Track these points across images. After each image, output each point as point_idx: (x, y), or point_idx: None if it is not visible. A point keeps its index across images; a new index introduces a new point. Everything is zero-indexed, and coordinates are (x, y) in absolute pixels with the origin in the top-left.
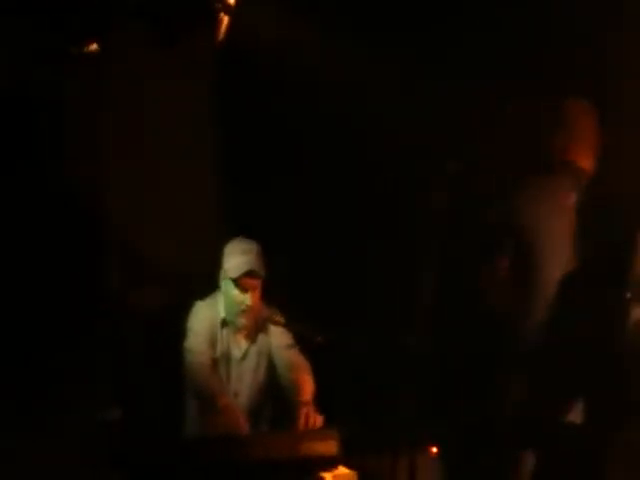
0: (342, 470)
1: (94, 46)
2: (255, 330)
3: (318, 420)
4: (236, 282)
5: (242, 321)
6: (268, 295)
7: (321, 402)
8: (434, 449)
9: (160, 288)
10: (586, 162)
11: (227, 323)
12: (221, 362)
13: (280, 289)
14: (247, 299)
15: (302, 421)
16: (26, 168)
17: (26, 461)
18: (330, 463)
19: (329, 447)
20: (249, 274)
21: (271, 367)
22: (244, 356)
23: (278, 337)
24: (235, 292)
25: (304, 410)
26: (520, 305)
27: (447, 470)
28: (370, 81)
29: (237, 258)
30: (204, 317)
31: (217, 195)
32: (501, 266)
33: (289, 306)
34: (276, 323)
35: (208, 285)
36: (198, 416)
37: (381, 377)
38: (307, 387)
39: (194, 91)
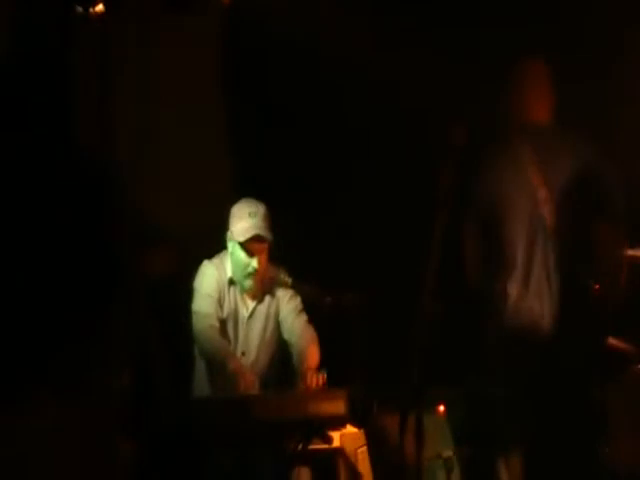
0: (350, 429)
1: (100, 7)
2: (262, 291)
3: (321, 379)
4: (243, 246)
5: (249, 283)
6: (276, 257)
7: (330, 362)
8: (441, 408)
9: (168, 253)
10: (538, 114)
11: (234, 282)
12: (229, 321)
13: (288, 251)
14: (254, 262)
15: (308, 381)
16: (34, 133)
17: (38, 427)
18: (338, 422)
19: (337, 407)
20: (255, 238)
21: (278, 328)
22: (251, 315)
23: (286, 302)
24: (242, 255)
25: (310, 374)
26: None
27: (454, 429)
28: (377, 49)
29: (244, 221)
30: (211, 277)
31: (225, 158)
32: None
33: (297, 268)
34: (283, 284)
35: (215, 249)
36: (207, 378)
37: (391, 338)
38: (313, 357)
39: (202, 56)
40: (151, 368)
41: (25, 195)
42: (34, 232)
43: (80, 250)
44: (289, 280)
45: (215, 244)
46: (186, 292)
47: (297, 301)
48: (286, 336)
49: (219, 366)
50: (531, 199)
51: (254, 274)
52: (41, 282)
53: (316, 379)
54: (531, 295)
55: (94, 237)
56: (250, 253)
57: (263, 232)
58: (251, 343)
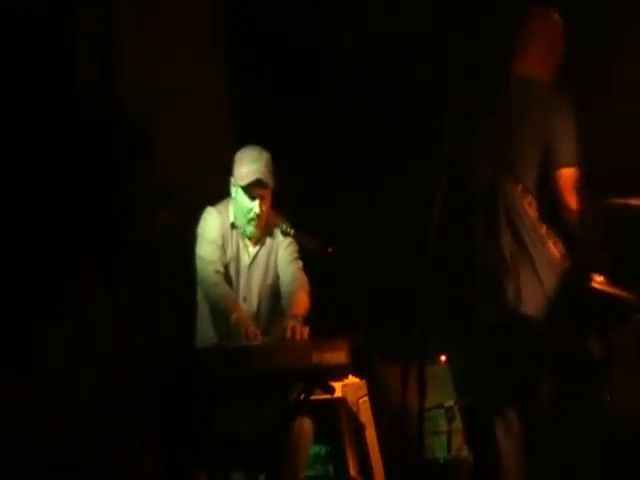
0: (352, 379)
1: None
2: (263, 238)
3: (304, 332)
4: (245, 190)
5: (250, 229)
6: (279, 207)
7: (331, 313)
8: (443, 358)
9: (173, 208)
10: (540, 71)
11: (236, 227)
12: (231, 266)
13: (290, 203)
14: (256, 207)
15: (289, 333)
16: (39, 88)
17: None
18: (340, 373)
19: (339, 357)
20: (258, 183)
21: (278, 273)
22: (252, 261)
23: (283, 248)
24: (244, 200)
25: (291, 323)
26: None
27: (456, 378)
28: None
29: (246, 166)
30: (214, 222)
31: (231, 113)
32: None
33: (300, 220)
34: (285, 234)
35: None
36: (211, 322)
37: (391, 289)
38: (301, 303)
39: (206, 12)
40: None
41: (27, 142)
42: (42, 189)
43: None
44: (291, 230)
45: (218, 195)
46: (190, 241)
47: (293, 248)
48: (280, 279)
49: (223, 313)
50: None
51: (256, 219)
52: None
53: (299, 330)
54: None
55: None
56: (252, 197)
57: (265, 177)
58: (252, 289)
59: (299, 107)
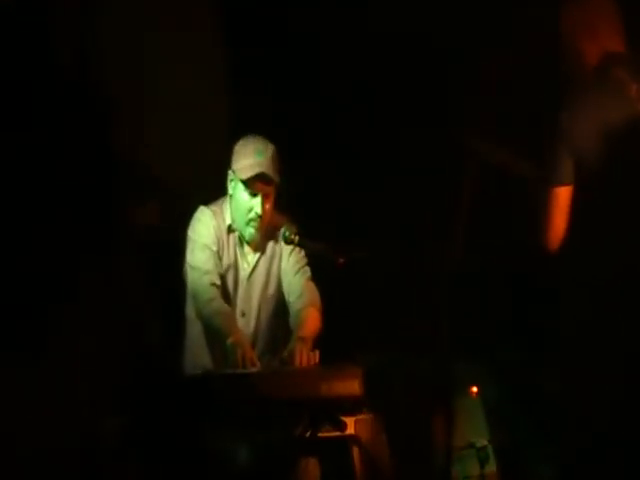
0: (366, 413)
1: None
2: (265, 243)
3: (313, 358)
4: (246, 185)
5: (250, 231)
6: (282, 209)
7: (341, 332)
8: (474, 389)
9: (161, 205)
10: (609, 42)
11: (233, 231)
12: (227, 276)
13: (296, 204)
14: (257, 206)
15: (296, 358)
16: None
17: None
18: (352, 405)
19: (351, 387)
20: (261, 177)
21: (281, 284)
22: (253, 270)
23: (288, 255)
24: (244, 197)
25: (298, 346)
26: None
27: (490, 412)
28: None
29: (249, 158)
30: (209, 224)
31: (226, 102)
32: None
33: (306, 223)
34: (289, 241)
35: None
36: (205, 343)
37: (411, 304)
38: (310, 323)
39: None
40: (143, 332)
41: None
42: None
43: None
44: (295, 237)
45: (212, 192)
46: (179, 244)
47: (300, 255)
48: (285, 294)
49: (219, 334)
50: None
51: (257, 221)
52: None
53: (306, 355)
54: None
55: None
56: (253, 194)
57: (270, 172)
58: (252, 302)
59: (301, 99)
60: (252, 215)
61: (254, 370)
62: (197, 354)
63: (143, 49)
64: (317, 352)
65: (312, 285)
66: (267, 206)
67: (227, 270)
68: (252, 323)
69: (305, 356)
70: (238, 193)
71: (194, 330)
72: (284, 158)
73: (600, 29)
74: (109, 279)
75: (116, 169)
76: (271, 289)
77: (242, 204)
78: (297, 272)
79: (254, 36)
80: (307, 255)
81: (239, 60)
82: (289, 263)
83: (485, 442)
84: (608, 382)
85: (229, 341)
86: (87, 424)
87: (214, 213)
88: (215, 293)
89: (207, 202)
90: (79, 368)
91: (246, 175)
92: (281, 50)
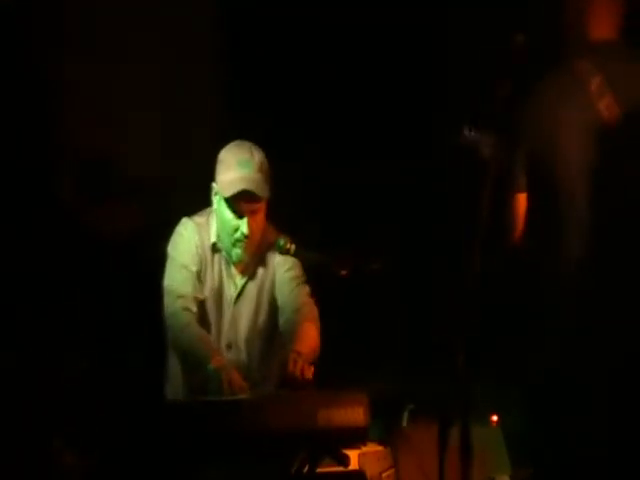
0: (372, 447)
1: None
2: (255, 263)
3: (307, 371)
4: (229, 203)
5: (237, 252)
6: (275, 218)
7: (344, 353)
8: (495, 418)
9: (134, 206)
10: (602, 29)
11: (219, 250)
12: (211, 303)
13: (292, 210)
14: (243, 226)
15: (290, 367)
16: None
17: None
18: (356, 437)
19: (355, 416)
20: (245, 195)
21: (274, 309)
22: (240, 295)
23: (284, 270)
24: (229, 216)
25: (293, 355)
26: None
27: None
28: None
29: (231, 171)
30: (190, 240)
31: (215, 99)
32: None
33: (303, 232)
34: (284, 251)
35: (197, 203)
36: (183, 375)
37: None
38: (307, 338)
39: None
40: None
41: None
42: None
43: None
44: (292, 246)
45: (200, 199)
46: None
47: (298, 270)
48: (279, 307)
49: (196, 364)
50: (595, 135)
51: (244, 241)
52: None
53: (300, 368)
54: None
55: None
56: (239, 214)
57: (256, 187)
58: (240, 332)
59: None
60: (238, 235)
61: (243, 397)
62: (177, 384)
63: (127, 48)
64: (312, 368)
65: (311, 302)
66: (255, 223)
67: (210, 295)
68: (239, 357)
69: (299, 367)
70: (222, 210)
71: (174, 361)
72: (279, 161)
73: (588, 14)
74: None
75: (94, 171)
76: (262, 318)
77: (226, 223)
78: (295, 287)
79: (242, 35)
80: (305, 269)
81: (231, 59)
82: (286, 277)
83: (506, 478)
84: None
85: (210, 366)
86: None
87: (198, 227)
88: (189, 318)
89: (194, 208)
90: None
91: (229, 192)
92: (276, 52)
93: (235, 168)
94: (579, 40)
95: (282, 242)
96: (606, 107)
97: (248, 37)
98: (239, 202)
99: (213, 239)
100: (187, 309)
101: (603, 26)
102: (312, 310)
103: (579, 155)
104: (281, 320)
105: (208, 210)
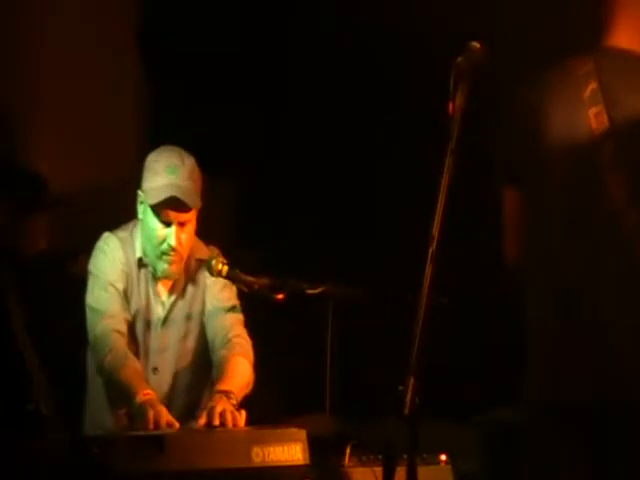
0: None
1: None
2: (185, 280)
3: (238, 419)
4: (155, 211)
5: (164, 267)
6: (208, 232)
7: (287, 386)
8: (443, 457)
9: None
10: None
11: (145, 265)
12: (137, 322)
13: (226, 223)
14: (170, 237)
15: (215, 418)
16: None
17: None
18: (294, 476)
19: (293, 453)
20: (173, 202)
21: (204, 334)
22: (168, 315)
23: (216, 292)
24: (155, 224)
25: (218, 406)
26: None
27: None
28: None
29: (159, 177)
30: (114, 258)
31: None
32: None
33: (237, 251)
34: (215, 273)
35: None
36: (106, 408)
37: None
38: (236, 375)
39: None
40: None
41: None
42: None
43: None
44: (224, 268)
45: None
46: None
47: (231, 293)
48: (209, 344)
49: (121, 395)
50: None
51: (171, 254)
52: None
53: (229, 416)
54: None
55: None
56: (166, 223)
57: (185, 195)
58: (166, 355)
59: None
60: (164, 247)
61: (171, 431)
62: (97, 417)
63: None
64: (243, 412)
65: (243, 331)
66: (184, 236)
67: (136, 315)
68: (166, 382)
69: (228, 418)
70: (148, 220)
71: (95, 386)
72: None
73: (616, 19)
74: None
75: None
76: (191, 340)
77: (152, 233)
78: (225, 316)
79: (168, 36)
80: (240, 294)
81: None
82: (217, 301)
83: None
84: None
85: (137, 400)
86: None
87: (122, 242)
88: (118, 342)
89: (115, 223)
90: None
91: (155, 199)
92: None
93: (163, 174)
94: (591, 41)
95: (213, 262)
96: (595, 115)
97: (170, 37)
98: (166, 210)
99: (138, 254)
100: (117, 331)
101: (623, 35)
102: (242, 343)
103: (561, 157)
104: (211, 354)
105: (132, 223)
